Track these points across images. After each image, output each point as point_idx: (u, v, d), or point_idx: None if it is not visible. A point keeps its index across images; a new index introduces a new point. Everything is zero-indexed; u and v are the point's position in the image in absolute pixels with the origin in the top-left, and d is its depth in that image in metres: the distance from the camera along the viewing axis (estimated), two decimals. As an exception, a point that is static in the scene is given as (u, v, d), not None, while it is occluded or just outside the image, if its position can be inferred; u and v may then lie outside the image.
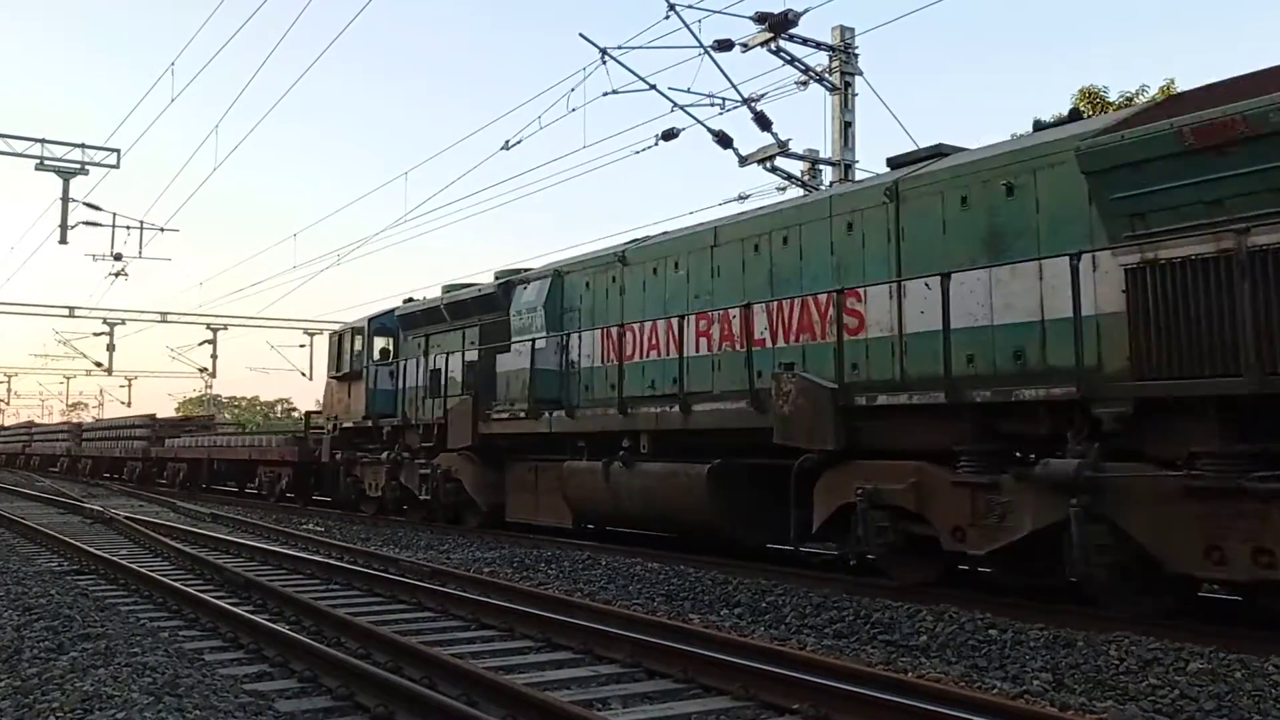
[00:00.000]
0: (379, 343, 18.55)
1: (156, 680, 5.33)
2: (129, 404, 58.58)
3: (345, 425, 18.71)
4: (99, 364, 44.38)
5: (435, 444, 15.26)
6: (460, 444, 14.47)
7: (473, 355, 15.08)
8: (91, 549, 11.52)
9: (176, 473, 28.94)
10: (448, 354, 15.63)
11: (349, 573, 9.86)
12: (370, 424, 17.62)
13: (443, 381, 15.56)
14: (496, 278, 15.66)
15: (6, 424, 70.08)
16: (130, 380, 58.73)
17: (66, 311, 39.61)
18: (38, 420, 67.83)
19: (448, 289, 17.06)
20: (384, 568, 10.33)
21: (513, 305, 14.45)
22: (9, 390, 67.74)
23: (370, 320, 18.75)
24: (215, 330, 41.89)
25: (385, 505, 17.42)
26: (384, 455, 17.00)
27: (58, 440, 44.21)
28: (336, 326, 21.10)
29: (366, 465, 17.88)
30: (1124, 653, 6.17)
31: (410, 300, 18.98)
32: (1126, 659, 6.07)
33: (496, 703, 4.91)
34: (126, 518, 16.24)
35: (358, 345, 18.80)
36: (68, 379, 63.94)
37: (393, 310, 18.48)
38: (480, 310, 15.45)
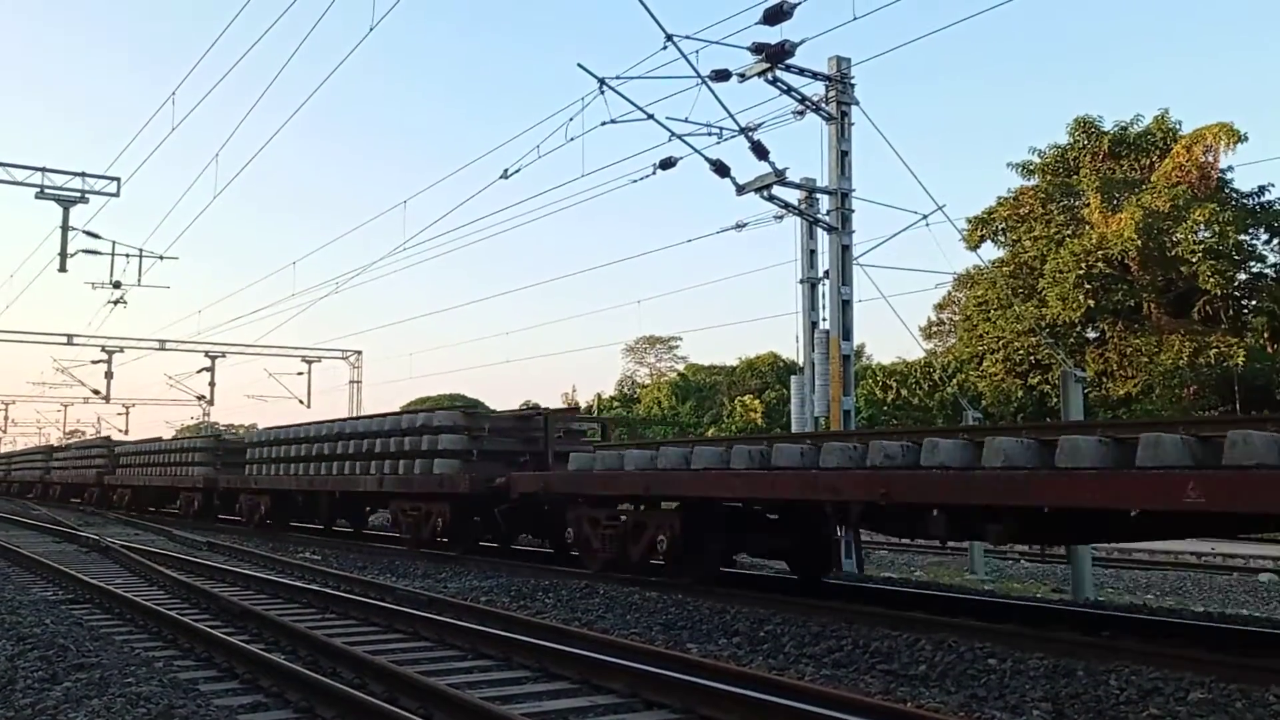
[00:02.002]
0: None
1: (150, 711, 5.30)
2: (126, 432, 58.44)
3: None
4: (96, 391, 44.31)
5: None
6: None
7: None
8: (87, 578, 11.46)
9: (660, 533, 11.06)
10: None
11: (345, 602, 9.81)
12: None
13: None
14: None
15: (62, 442, 54.30)
16: (128, 408, 58.71)
17: (65, 339, 39.64)
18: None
19: None
20: (380, 597, 10.28)
21: None
22: (6, 418, 67.64)
23: None
24: (213, 358, 41.86)
25: None
26: None
27: (180, 464, 25.76)
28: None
29: None
30: (1124, 682, 6.15)
31: None
32: (1127, 689, 6.05)
33: (493, 734, 4.86)
34: (122, 546, 16.17)
35: None
36: (65, 406, 63.92)
37: None
38: None
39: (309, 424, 20.40)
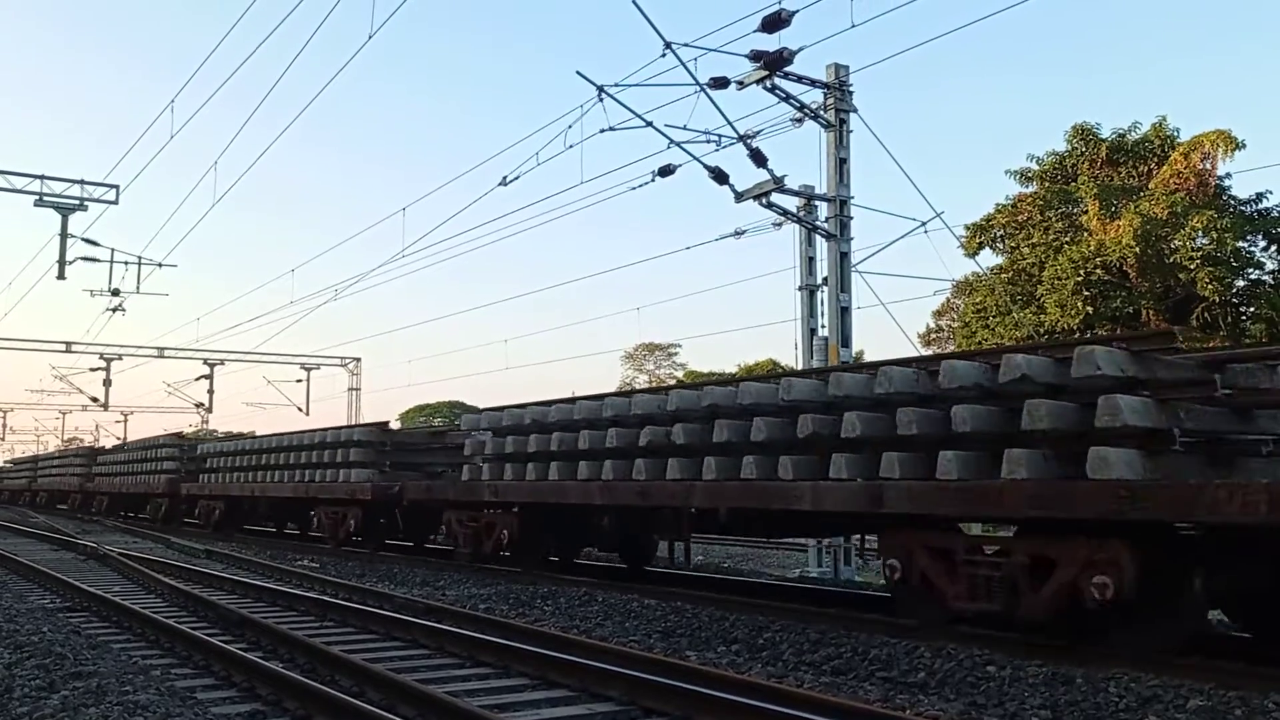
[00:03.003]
0: None
1: (148, 719, 5.29)
2: (124, 440, 58.38)
3: None
4: (95, 399, 44.31)
5: None
6: None
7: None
8: (84, 586, 11.44)
9: None
10: None
11: (344, 609, 9.80)
12: None
13: None
14: None
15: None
16: (126, 416, 58.67)
17: (63, 347, 39.63)
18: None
19: None
20: (379, 604, 10.26)
21: None
22: (4, 426, 67.59)
23: None
24: (212, 365, 41.85)
25: None
26: None
27: (317, 466, 18.48)
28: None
29: None
30: (1123, 690, 6.14)
31: None
32: (1126, 696, 6.03)
33: (491, 742, 4.83)
34: (120, 554, 16.13)
35: None
36: (64, 414, 63.92)
37: None
38: None
39: (620, 394, 12.62)
